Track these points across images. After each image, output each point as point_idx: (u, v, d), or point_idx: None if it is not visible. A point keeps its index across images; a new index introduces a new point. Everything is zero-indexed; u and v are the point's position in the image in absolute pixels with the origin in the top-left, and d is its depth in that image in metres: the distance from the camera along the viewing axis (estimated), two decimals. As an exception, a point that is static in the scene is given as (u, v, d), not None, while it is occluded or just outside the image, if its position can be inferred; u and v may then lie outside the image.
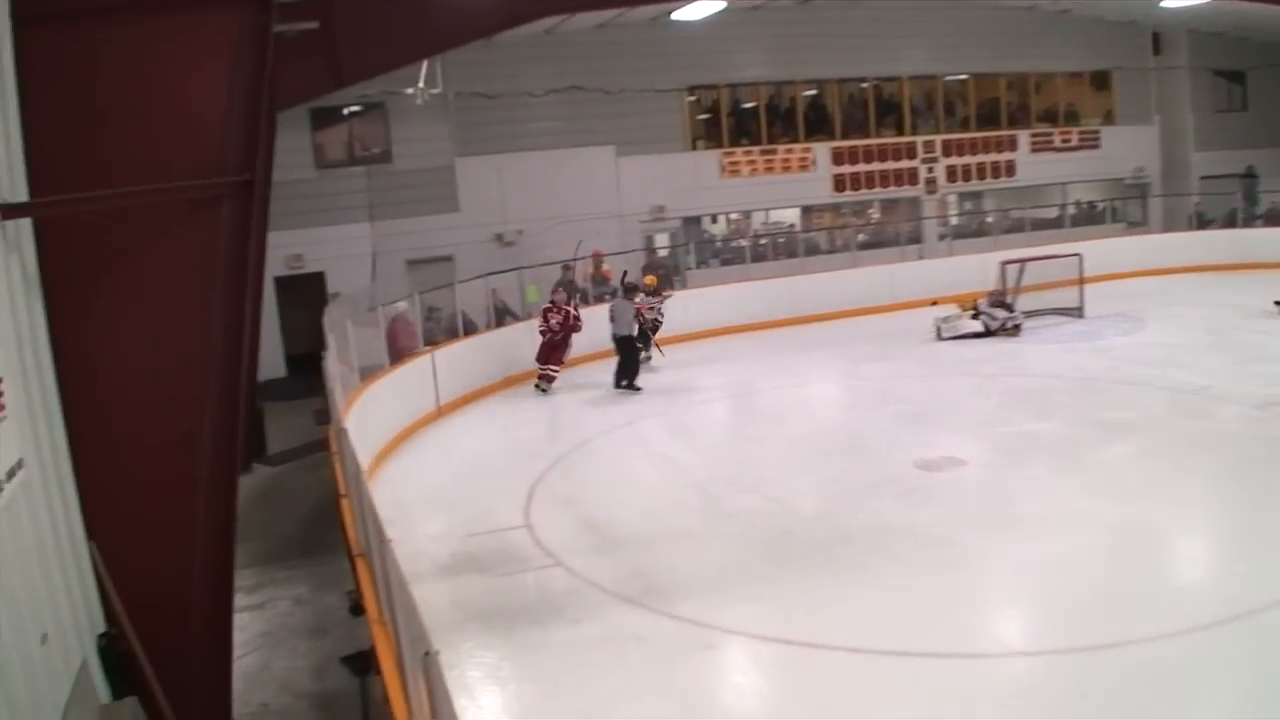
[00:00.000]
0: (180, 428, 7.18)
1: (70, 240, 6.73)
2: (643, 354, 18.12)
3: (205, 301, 7.03)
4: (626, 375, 16.69)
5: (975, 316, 19.05)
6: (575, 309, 17.46)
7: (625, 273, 18.82)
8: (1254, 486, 10.84)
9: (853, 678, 7.69)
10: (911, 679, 7.61)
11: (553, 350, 17.14)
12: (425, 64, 19.85)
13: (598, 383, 17.24)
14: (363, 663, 8.48)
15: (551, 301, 17.44)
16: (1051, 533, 9.95)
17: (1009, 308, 19.19)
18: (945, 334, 19.06)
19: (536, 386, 17.08)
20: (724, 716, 7.39)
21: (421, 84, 20.33)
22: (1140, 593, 8.59)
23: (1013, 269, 19.84)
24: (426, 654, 4.40)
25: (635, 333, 17.27)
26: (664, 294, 19.28)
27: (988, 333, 18.76)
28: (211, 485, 7.39)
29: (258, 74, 7.22)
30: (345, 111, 21.82)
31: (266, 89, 7.38)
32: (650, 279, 19.39)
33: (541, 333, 17.15)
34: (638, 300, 17.84)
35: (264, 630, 10.64)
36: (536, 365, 17.19)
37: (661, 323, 18.85)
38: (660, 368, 18.29)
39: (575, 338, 17.40)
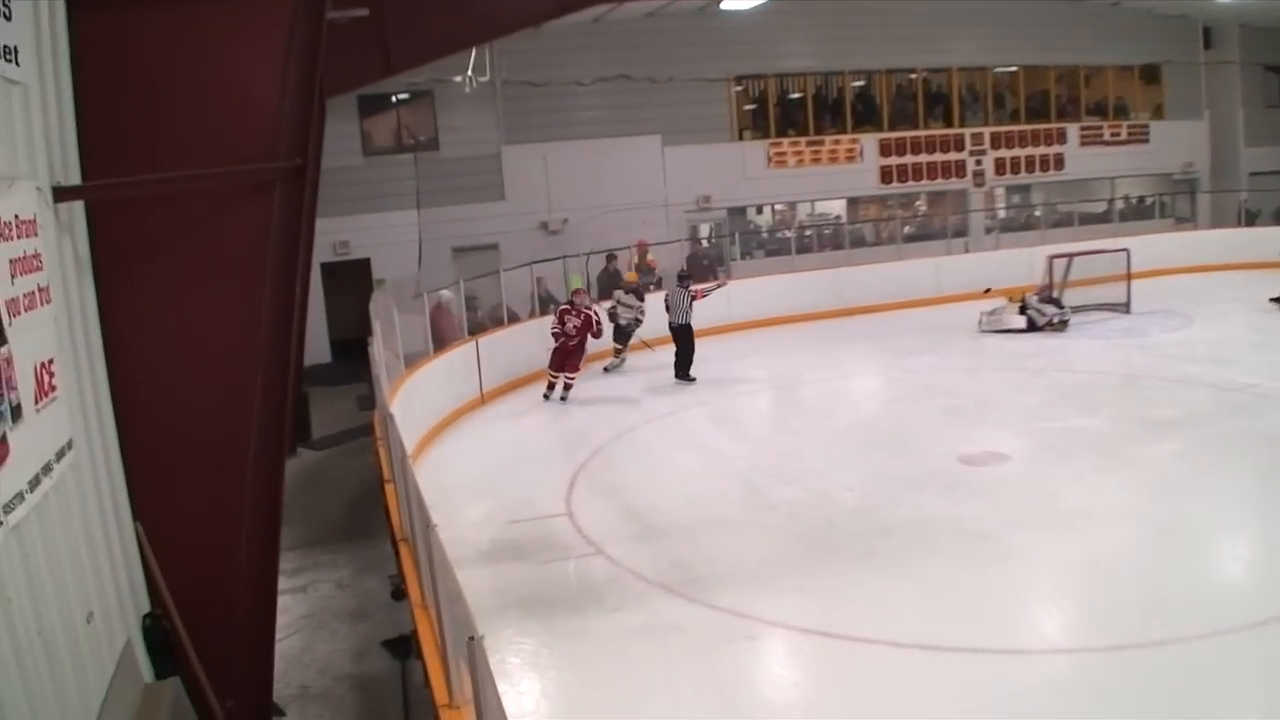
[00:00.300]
0: (228, 413, 7.24)
1: (122, 223, 6.79)
2: (616, 358, 17.91)
3: (256, 287, 7.08)
4: (683, 366, 16.60)
5: (1022, 311, 18.91)
6: (595, 313, 16.40)
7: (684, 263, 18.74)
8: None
9: (891, 672, 7.64)
10: (951, 674, 7.56)
11: (568, 356, 15.92)
12: (473, 52, 19.92)
13: (641, 368, 17.24)
14: (403, 647, 8.55)
15: (570, 303, 16.20)
16: (1094, 530, 9.86)
17: (1057, 303, 19.04)
18: (986, 327, 18.96)
19: (546, 396, 16.01)
20: (762, 708, 7.36)
21: (469, 72, 20.43)
22: (1182, 592, 8.50)
23: (1060, 263, 19.68)
24: (471, 639, 4.42)
25: (687, 321, 16.82)
26: (718, 282, 18.94)
27: (1033, 328, 18.62)
28: (258, 470, 7.45)
29: (311, 58, 7.25)
30: (394, 99, 21.94)
31: (319, 73, 7.41)
32: (631, 275, 18.81)
33: (555, 335, 15.88)
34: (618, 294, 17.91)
35: (306, 613, 10.73)
36: (548, 372, 16.06)
37: (642, 321, 17.98)
38: (630, 371, 18.01)
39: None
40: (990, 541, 9.65)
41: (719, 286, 18.08)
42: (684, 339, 16.64)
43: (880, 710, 7.17)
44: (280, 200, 7.07)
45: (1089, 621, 8.27)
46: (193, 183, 6.84)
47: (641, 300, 17.93)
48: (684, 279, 17.37)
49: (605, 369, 17.70)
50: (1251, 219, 26.33)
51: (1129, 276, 19.99)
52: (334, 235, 20.53)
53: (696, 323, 16.96)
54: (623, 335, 17.89)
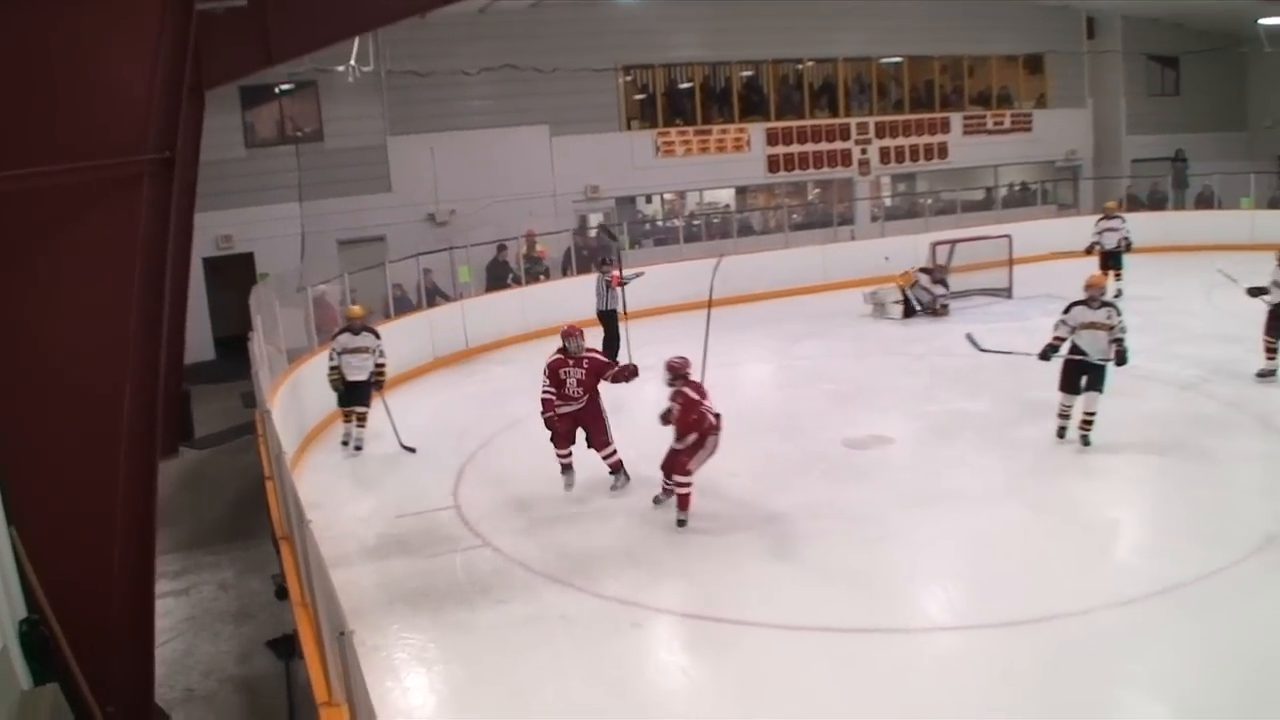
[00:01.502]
0: (98, 413, 7.07)
1: (-17, 220, 6.60)
2: (354, 424, 13.42)
3: (124, 283, 6.92)
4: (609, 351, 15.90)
5: (912, 287, 19.19)
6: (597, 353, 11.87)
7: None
8: (1177, 464, 11.07)
9: (780, 654, 7.79)
10: (839, 655, 7.74)
11: (587, 425, 11.40)
12: (357, 42, 19.69)
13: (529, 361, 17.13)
14: (287, 646, 8.43)
15: (562, 350, 11.30)
16: (976, 510, 10.11)
17: (945, 284, 19.38)
18: (870, 306, 19.35)
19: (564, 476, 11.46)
20: (651, 694, 7.46)
21: (353, 62, 20.19)
22: (1063, 569, 8.77)
23: (943, 249, 20.02)
24: (342, 634, 4.39)
25: (612, 308, 16.25)
26: (636, 271, 17.67)
27: (910, 312, 18.93)
28: (130, 471, 7.28)
29: (180, 50, 7.10)
30: (277, 90, 21.57)
31: (189, 66, 7.27)
32: (355, 310, 13.82)
33: (549, 402, 11.21)
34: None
35: (189, 615, 10.52)
36: (558, 457, 11.39)
37: (383, 370, 13.45)
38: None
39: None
40: (876, 523, 9.86)
41: (637, 276, 17.39)
42: (607, 324, 16.39)
43: (770, 692, 7.29)
44: (148, 194, 6.91)
45: (974, 599, 8.48)
46: (56, 177, 6.66)
47: (378, 339, 13.44)
48: (604, 264, 16.75)
49: (343, 443, 13.55)
50: (1135, 205, 26.92)
51: (1011, 262, 20.41)
52: (217, 229, 20.14)
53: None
54: (356, 394, 13.32)
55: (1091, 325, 11.55)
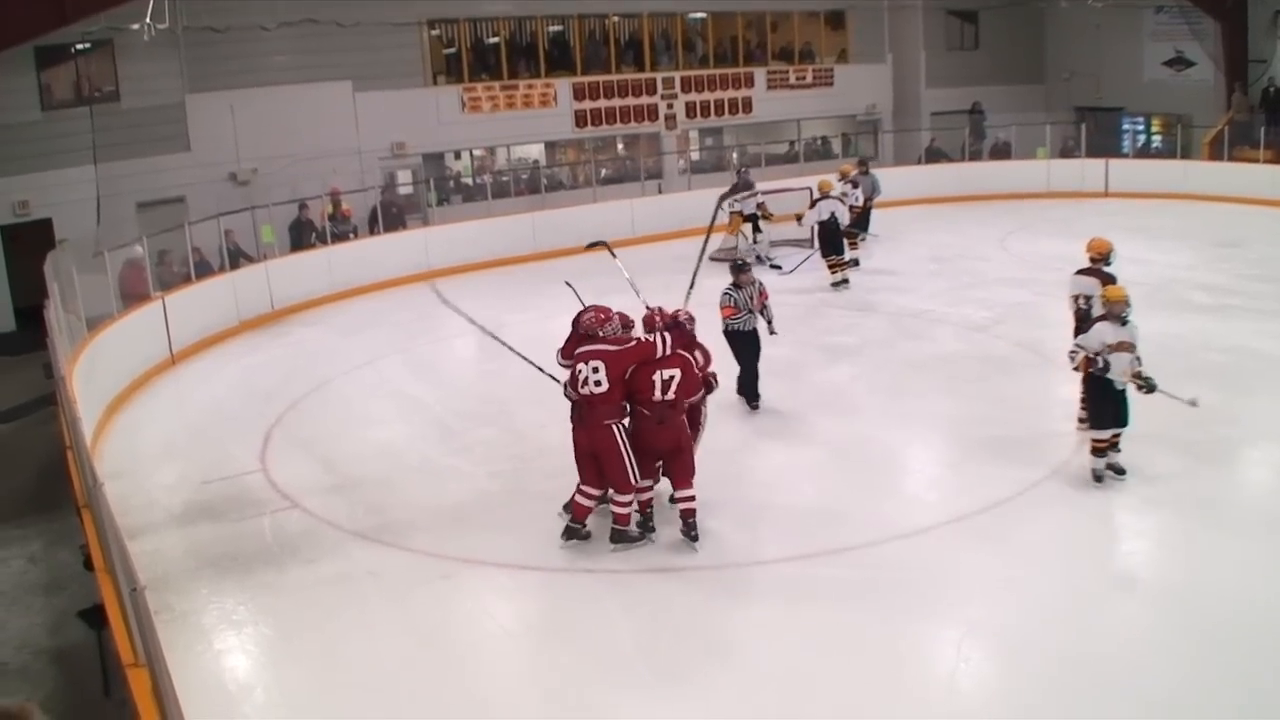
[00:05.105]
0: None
1: None
2: None
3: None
4: None
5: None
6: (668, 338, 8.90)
7: None
8: (966, 403, 11.78)
9: (586, 596, 8.24)
10: (639, 594, 8.25)
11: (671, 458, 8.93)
12: (152, -2, 19.14)
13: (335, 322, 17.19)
14: (98, 616, 8.43)
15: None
16: (776, 451, 10.67)
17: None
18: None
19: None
20: (459, 643, 7.73)
21: (149, 19, 19.59)
22: (860, 503, 9.39)
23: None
24: (134, 590, 4.52)
25: None
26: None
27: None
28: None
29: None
30: (74, 49, 20.80)
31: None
32: None
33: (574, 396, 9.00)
34: None
35: (-3, 589, 10.38)
36: (613, 505, 8.93)
37: None
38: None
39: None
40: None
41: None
42: None
43: (578, 631, 7.71)
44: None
45: (776, 535, 8.97)
46: None
47: None
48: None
49: None
50: (934, 157, 27.97)
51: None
52: (13, 195, 19.38)
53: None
54: None
55: (1119, 347, 9.25)
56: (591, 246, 10.79)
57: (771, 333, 11.96)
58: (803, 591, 8.04)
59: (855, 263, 18.54)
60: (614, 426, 8.67)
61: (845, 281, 17.66)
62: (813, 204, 17.90)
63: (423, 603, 8.23)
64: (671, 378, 8.64)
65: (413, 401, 13.16)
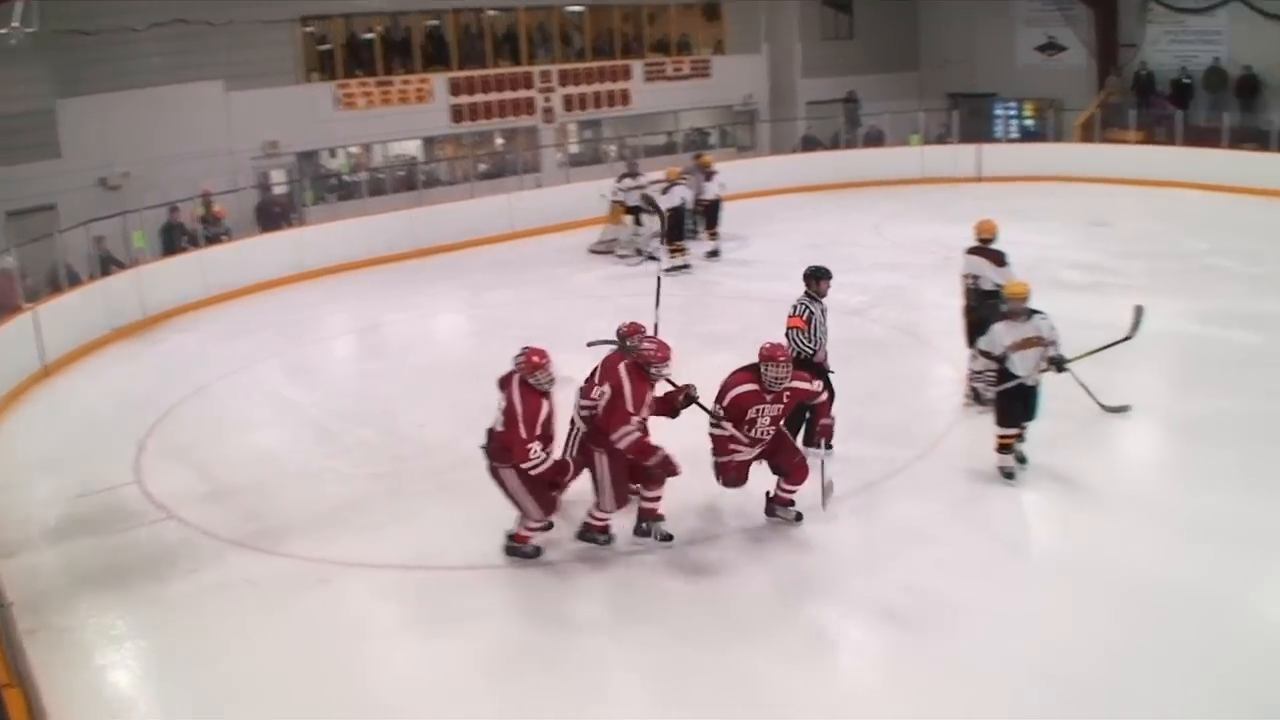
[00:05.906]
0: None
1: None
2: None
3: None
4: None
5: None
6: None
7: None
8: (843, 385, 11.98)
9: (465, 591, 8.38)
10: (523, 586, 8.47)
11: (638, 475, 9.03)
12: (19, 1, 18.62)
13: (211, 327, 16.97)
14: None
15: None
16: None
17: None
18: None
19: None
20: (336, 642, 7.80)
21: (15, 22, 19.07)
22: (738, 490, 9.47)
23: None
24: (1, 607, 4.49)
25: None
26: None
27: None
28: None
29: None
30: (-58, 57, 20.17)
31: None
32: None
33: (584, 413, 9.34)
34: None
35: None
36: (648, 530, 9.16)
37: None
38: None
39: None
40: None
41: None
42: None
43: (456, 626, 7.88)
44: None
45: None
46: None
47: None
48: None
49: None
50: (810, 146, 28.41)
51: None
52: (-120, 209, 18.82)
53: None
54: None
55: (1023, 344, 9.41)
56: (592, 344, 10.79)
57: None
58: (670, 584, 8.36)
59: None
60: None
61: (686, 266, 18.32)
62: (665, 190, 18.35)
63: (301, 608, 8.29)
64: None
65: (290, 405, 13.06)
